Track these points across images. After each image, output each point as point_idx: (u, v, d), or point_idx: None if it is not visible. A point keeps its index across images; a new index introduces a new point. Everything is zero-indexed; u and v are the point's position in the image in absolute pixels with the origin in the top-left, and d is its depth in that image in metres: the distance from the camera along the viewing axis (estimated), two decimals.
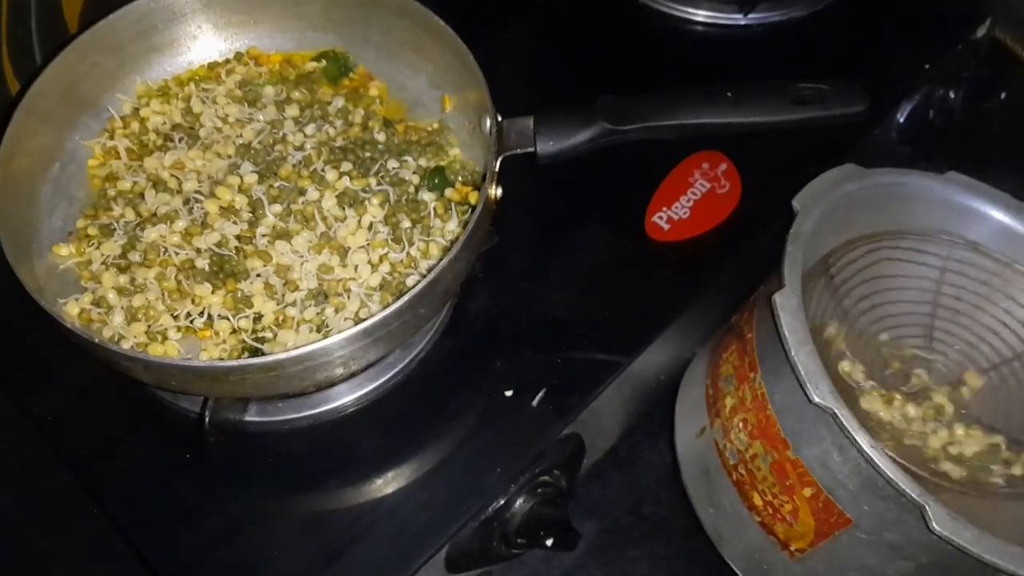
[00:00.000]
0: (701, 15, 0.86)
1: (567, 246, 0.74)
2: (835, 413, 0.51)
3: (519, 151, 0.61)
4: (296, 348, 0.52)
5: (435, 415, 0.66)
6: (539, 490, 0.65)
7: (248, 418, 0.64)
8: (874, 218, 0.65)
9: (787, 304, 0.55)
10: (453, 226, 0.65)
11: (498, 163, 0.60)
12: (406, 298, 0.54)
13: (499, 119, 0.62)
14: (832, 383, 0.52)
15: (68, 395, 0.67)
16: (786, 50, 0.84)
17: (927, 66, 0.83)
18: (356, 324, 0.60)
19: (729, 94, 0.58)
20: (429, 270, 0.62)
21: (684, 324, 0.72)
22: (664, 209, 0.75)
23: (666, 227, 0.74)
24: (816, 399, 0.52)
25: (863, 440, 0.50)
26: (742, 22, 0.85)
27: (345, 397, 0.65)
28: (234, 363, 0.54)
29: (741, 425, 0.61)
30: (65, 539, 0.70)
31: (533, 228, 0.74)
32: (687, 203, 0.75)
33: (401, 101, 0.73)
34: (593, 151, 0.61)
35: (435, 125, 0.71)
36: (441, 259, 0.55)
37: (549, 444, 0.65)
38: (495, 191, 0.60)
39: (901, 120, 0.83)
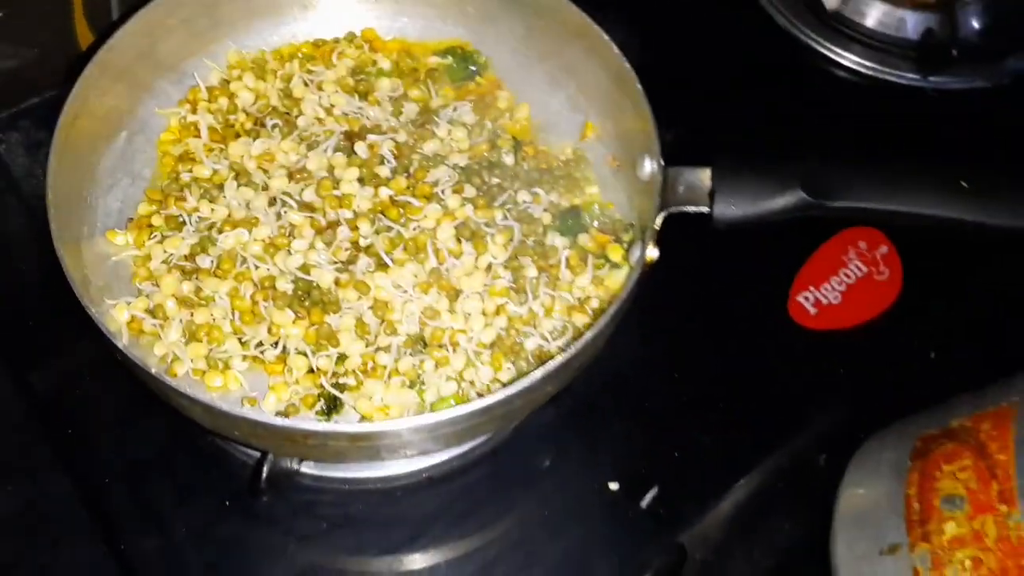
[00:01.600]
0: (869, 68, 0.75)
1: (698, 317, 0.63)
2: None
3: (689, 209, 0.50)
4: (400, 420, 0.42)
5: (524, 498, 0.57)
6: None
7: (304, 470, 0.54)
8: None
9: None
10: (584, 282, 0.54)
11: (661, 219, 0.50)
12: (540, 374, 0.44)
13: (661, 164, 0.51)
14: None
15: (96, 412, 0.57)
16: (960, 124, 0.73)
17: None
18: (458, 385, 0.50)
19: (964, 184, 0.47)
20: (550, 333, 0.52)
21: (822, 426, 0.61)
22: (811, 288, 0.64)
23: (812, 311, 0.64)
24: None
25: None
26: (917, 83, 0.74)
27: (421, 461, 0.55)
28: (320, 427, 0.43)
29: (969, 564, 0.49)
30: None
31: (659, 291, 0.63)
32: (839, 286, 0.65)
33: (532, 119, 0.62)
34: (781, 223, 0.50)
35: (568, 153, 0.60)
36: (583, 332, 0.45)
37: (654, 556, 0.55)
38: (653, 252, 0.49)
39: None
